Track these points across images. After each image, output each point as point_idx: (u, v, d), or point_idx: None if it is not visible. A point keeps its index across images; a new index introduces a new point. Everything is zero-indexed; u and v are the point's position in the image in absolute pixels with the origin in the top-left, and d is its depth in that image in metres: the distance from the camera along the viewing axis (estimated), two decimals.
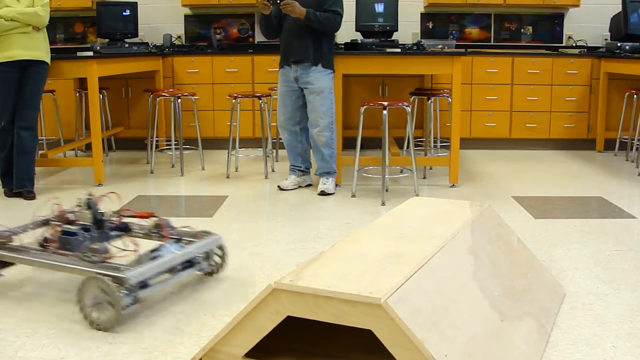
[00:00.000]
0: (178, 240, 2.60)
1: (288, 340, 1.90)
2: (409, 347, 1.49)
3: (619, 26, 5.89)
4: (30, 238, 2.69)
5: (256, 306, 1.69)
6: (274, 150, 5.63)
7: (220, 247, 2.76)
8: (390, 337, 1.52)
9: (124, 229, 2.72)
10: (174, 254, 2.47)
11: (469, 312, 1.80)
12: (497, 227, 2.44)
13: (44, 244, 2.56)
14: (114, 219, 2.71)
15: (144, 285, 2.33)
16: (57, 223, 2.58)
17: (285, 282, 1.66)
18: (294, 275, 1.70)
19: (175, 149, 5.63)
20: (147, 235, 2.72)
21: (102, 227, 2.62)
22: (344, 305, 1.56)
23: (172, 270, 2.49)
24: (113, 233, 2.67)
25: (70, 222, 2.58)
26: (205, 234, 2.69)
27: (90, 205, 2.60)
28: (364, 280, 1.64)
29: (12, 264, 2.67)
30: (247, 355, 1.74)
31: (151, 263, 2.35)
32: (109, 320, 2.22)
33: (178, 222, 3.67)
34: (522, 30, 6.50)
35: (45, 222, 2.75)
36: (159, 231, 2.68)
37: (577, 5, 6.23)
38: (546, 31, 6.49)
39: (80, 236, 2.50)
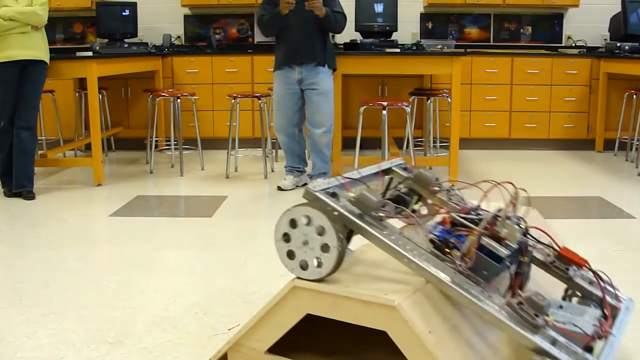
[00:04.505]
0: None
1: (311, 340, 1.92)
2: (422, 351, 1.50)
3: (619, 26, 5.89)
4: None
5: (277, 302, 1.73)
6: (274, 150, 5.63)
7: None
8: (404, 339, 1.53)
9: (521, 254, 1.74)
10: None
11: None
12: None
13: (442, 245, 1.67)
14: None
15: None
16: (481, 231, 1.67)
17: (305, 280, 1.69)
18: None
19: (175, 149, 5.62)
20: (547, 267, 1.86)
21: (523, 254, 1.73)
22: (361, 305, 1.59)
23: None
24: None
25: (497, 239, 1.65)
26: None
27: (519, 224, 1.74)
28: (381, 283, 1.66)
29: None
30: (269, 351, 1.76)
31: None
32: None
33: (177, 222, 3.70)
34: (522, 30, 6.50)
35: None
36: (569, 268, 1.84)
37: (577, 6, 6.23)
38: (546, 31, 6.49)
39: (504, 264, 1.63)
